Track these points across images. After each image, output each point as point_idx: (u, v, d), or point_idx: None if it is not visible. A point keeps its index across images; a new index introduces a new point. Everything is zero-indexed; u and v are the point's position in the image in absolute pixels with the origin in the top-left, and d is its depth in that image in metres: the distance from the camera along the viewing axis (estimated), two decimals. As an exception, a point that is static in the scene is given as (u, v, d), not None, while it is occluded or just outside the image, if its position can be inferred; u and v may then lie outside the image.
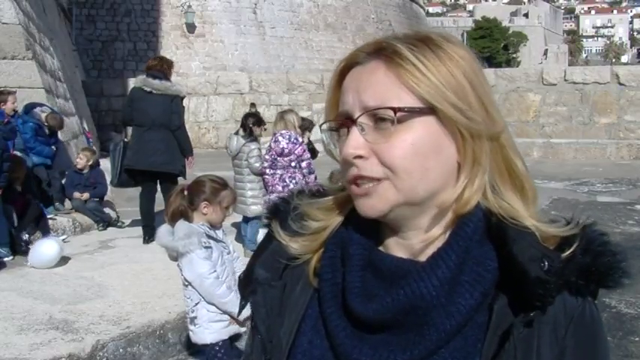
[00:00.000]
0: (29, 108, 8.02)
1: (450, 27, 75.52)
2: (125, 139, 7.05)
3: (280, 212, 0.94)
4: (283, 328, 0.88)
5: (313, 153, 6.97)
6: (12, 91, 7.99)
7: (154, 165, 6.65)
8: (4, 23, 9.10)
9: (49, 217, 7.17)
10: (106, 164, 8.46)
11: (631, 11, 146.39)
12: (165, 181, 6.68)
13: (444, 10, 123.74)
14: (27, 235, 6.48)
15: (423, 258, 0.83)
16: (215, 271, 3.28)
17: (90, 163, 8.28)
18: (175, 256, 3.33)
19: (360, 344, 0.83)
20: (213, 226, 3.41)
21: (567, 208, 8.99)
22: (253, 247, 6.36)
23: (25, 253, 6.00)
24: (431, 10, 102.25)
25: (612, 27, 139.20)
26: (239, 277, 0.97)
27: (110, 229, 7.92)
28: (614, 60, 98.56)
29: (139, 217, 7.08)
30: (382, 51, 0.82)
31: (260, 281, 0.92)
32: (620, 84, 16.06)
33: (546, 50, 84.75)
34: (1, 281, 5.34)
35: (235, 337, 3.45)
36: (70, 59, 17.88)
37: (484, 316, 0.80)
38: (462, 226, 0.82)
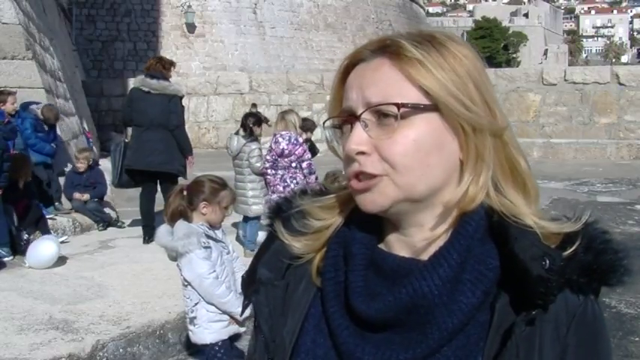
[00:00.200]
0: (25, 106, 8.04)
1: (450, 27, 75.49)
2: (126, 140, 7.06)
3: (282, 212, 0.94)
4: (286, 328, 0.89)
5: (313, 151, 6.98)
6: (12, 92, 7.99)
7: (151, 165, 6.66)
8: (4, 23, 9.10)
9: (48, 217, 7.17)
10: (106, 164, 8.47)
11: (631, 11, 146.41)
12: (165, 181, 6.68)
13: (444, 10, 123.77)
14: (27, 235, 6.48)
15: (424, 257, 0.83)
16: (214, 271, 3.28)
17: (89, 163, 8.29)
18: (175, 256, 3.33)
19: (362, 343, 0.83)
20: (213, 226, 3.41)
21: (567, 208, 8.99)
22: (253, 247, 6.36)
23: (25, 253, 6.01)
24: (431, 10, 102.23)
25: (612, 27, 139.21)
26: (242, 277, 0.97)
27: (110, 229, 7.92)
28: (614, 60, 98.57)
29: (139, 217, 7.09)
30: (386, 48, 0.83)
31: (263, 281, 0.92)
32: (620, 84, 16.07)
33: (546, 50, 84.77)
34: (1, 281, 5.34)
35: (235, 337, 3.44)
36: (70, 59, 17.88)
37: (486, 314, 0.80)
38: (463, 225, 0.82)
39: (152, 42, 28.23)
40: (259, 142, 6.76)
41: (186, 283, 3.33)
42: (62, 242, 6.49)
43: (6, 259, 5.93)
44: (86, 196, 7.93)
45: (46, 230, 6.79)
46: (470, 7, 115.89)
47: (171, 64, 7.09)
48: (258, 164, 6.40)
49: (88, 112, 16.71)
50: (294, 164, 6.04)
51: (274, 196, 6.04)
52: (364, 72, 0.83)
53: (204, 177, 3.50)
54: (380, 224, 0.87)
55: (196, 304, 3.30)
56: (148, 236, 6.48)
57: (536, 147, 16.14)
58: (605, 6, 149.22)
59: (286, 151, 6.00)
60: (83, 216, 7.89)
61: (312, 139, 7.93)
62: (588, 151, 16.20)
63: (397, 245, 0.86)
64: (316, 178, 6.09)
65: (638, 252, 6.10)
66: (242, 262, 3.65)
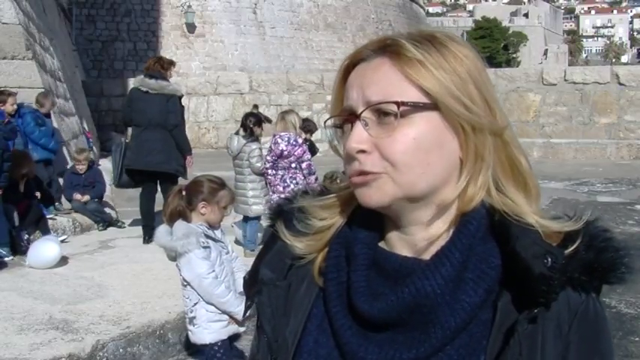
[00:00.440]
0: (20, 105, 8.08)
1: (450, 27, 75.50)
2: (126, 140, 7.06)
3: (284, 212, 0.95)
4: (289, 328, 0.89)
5: (313, 151, 6.98)
6: (12, 93, 7.99)
7: (149, 165, 6.66)
8: (4, 23, 9.10)
9: (48, 217, 7.17)
10: (106, 164, 8.48)
11: (631, 11, 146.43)
12: (165, 181, 6.68)
13: (444, 10, 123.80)
14: (27, 235, 6.48)
15: (427, 256, 0.84)
16: (213, 270, 3.28)
17: (89, 163, 8.30)
18: (174, 256, 3.33)
19: (365, 343, 0.83)
20: (212, 226, 3.41)
21: (567, 208, 8.98)
22: (253, 247, 6.36)
23: (26, 253, 6.01)
24: (431, 10, 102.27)
25: (612, 27, 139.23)
26: (244, 277, 0.97)
27: (110, 229, 7.92)
28: (614, 60, 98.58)
29: (139, 217, 7.09)
30: (387, 48, 0.83)
31: (265, 281, 0.92)
32: (620, 84, 16.06)
33: (546, 50, 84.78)
34: (1, 281, 5.34)
35: (234, 337, 3.44)
36: (70, 59, 17.88)
37: (488, 313, 0.81)
38: (465, 224, 0.83)
39: (152, 42, 28.23)
40: (259, 142, 6.77)
41: (185, 283, 3.33)
42: (62, 242, 6.49)
43: (6, 259, 5.93)
44: (86, 197, 7.93)
45: (46, 230, 6.80)
46: (470, 7, 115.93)
47: (171, 63, 7.10)
48: (259, 164, 6.40)
49: (88, 112, 16.71)
50: (293, 165, 6.05)
51: (274, 196, 6.05)
52: (365, 71, 0.84)
53: (203, 177, 3.50)
54: (381, 224, 0.88)
55: (196, 304, 3.30)
56: (148, 236, 6.48)
57: (536, 147, 16.13)
58: (605, 6, 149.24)
59: (285, 152, 6.01)
60: (83, 216, 7.89)
61: (312, 139, 7.94)
62: (588, 151, 16.20)
63: (399, 245, 0.87)
64: (316, 179, 6.10)
65: (639, 252, 6.11)
66: (241, 262, 3.65)
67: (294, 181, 6.04)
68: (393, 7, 35.55)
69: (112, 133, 11.63)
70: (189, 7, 28.03)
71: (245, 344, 3.83)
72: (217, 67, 27.17)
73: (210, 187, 3.39)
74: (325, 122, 0.90)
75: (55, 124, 8.90)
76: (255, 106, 16.42)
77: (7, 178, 6.28)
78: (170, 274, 4.60)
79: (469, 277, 0.81)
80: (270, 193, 6.23)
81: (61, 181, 8.46)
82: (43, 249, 5.80)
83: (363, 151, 0.81)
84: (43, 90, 8.82)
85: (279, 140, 6.05)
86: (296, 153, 6.03)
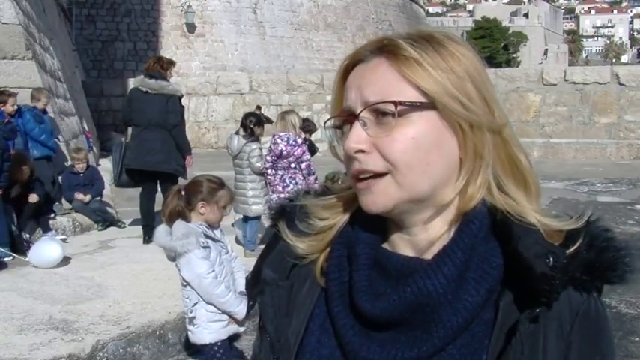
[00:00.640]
0: (20, 107, 8.10)
1: (450, 27, 75.50)
2: (126, 140, 7.06)
3: (286, 212, 0.95)
4: (291, 328, 0.89)
5: (312, 150, 6.97)
6: (13, 93, 7.99)
7: (148, 164, 6.67)
8: (4, 23, 9.10)
9: (49, 217, 7.17)
10: (106, 164, 8.48)
11: (631, 11, 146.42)
12: (165, 181, 6.68)
13: (444, 10, 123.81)
14: (27, 235, 6.48)
15: (429, 255, 0.84)
16: (213, 270, 3.28)
17: (88, 162, 8.31)
18: (173, 256, 3.33)
19: (368, 342, 0.83)
20: (211, 225, 3.41)
21: (567, 208, 8.99)
22: (253, 247, 6.37)
23: (26, 253, 6.01)
24: (431, 10, 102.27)
25: (612, 27, 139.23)
26: (246, 277, 0.98)
27: (110, 229, 7.91)
28: (614, 60, 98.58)
29: (139, 217, 7.09)
30: (384, 48, 0.84)
31: (268, 281, 0.92)
32: (620, 84, 16.07)
33: (546, 50, 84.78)
34: (1, 281, 5.35)
35: (234, 337, 3.44)
36: (70, 59, 17.88)
37: (490, 312, 0.81)
38: (467, 224, 0.83)
39: (152, 42, 28.23)
40: (259, 142, 6.77)
41: (185, 283, 3.33)
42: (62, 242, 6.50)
43: (6, 259, 5.93)
44: (88, 197, 7.92)
45: (46, 229, 6.80)
46: (470, 7, 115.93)
47: (171, 63, 7.10)
48: (259, 164, 6.40)
49: (88, 112, 16.71)
50: (293, 165, 6.05)
51: (274, 197, 6.06)
52: (363, 72, 0.84)
53: (202, 177, 3.51)
54: (383, 224, 0.88)
55: (195, 303, 3.30)
56: (148, 236, 6.48)
57: (536, 147, 16.13)
58: (605, 6, 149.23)
59: (285, 153, 6.01)
60: (83, 216, 7.89)
61: (312, 139, 7.94)
62: (588, 151, 16.20)
63: (401, 244, 0.87)
64: (315, 179, 6.10)
65: (639, 252, 6.11)
66: (241, 262, 3.65)
67: (293, 182, 6.04)
68: (393, 7, 35.56)
69: (112, 133, 11.65)
70: (189, 7, 28.03)
71: (245, 344, 3.84)
72: (217, 67, 27.17)
73: (209, 187, 3.39)
74: (325, 123, 0.90)
75: (52, 115, 8.89)
76: (258, 107, 16.43)
77: (7, 178, 6.28)
78: (170, 274, 4.60)
79: (471, 276, 0.81)
80: (270, 193, 6.23)
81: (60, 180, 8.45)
82: (47, 249, 5.81)
83: (362, 151, 0.81)
84: (37, 87, 8.79)
85: (279, 140, 6.05)
86: (295, 153, 6.03)
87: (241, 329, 3.40)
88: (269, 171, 6.15)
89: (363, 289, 0.84)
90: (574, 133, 16.44)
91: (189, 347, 4.21)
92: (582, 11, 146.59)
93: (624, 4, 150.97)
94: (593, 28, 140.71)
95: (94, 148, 13.42)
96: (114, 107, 18.75)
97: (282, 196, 5.84)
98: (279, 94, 18.74)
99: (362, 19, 32.87)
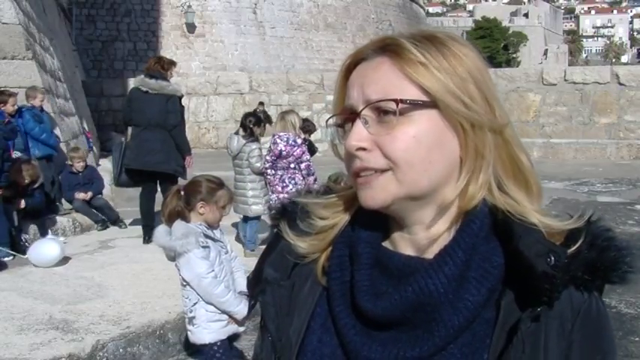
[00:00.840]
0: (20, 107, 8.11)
1: (450, 27, 75.52)
2: (126, 140, 7.06)
3: (288, 212, 0.95)
4: (292, 327, 0.89)
5: (312, 150, 6.97)
6: (13, 93, 7.98)
7: (148, 164, 6.67)
8: (4, 23, 9.10)
9: (48, 217, 7.17)
10: (106, 164, 8.47)
11: (631, 11, 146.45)
12: (165, 181, 6.68)
13: (444, 10, 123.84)
14: (27, 235, 6.48)
15: (429, 255, 0.84)
16: (213, 270, 3.28)
17: (86, 162, 8.31)
18: (173, 256, 3.33)
19: (369, 341, 0.84)
20: (211, 225, 3.41)
21: (567, 208, 8.98)
22: (253, 246, 6.37)
23: (25, 253, 6.01)
24: (431, 10, 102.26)
25: (612, 27, 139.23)
26: (248, 277, 0.98)
27: (110, 229, 7.91)
28: (614, 60, 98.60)
29: (139, 217, 7.09)
30: (387, 47, 0.84)
31: (269, 281, 0.92)
32: (620, 84, 16.07)
33: (546, 50, 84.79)
34: (1, 281, 5.35)
35: (234, 337, 3.44)
36: (70, 59, 17.88)
37: (491, 311, 0.81)
38: (468, 223, 0.83)
39: (152, 42, 28.23)
40: (259, 142, 6.77)
41: (184, 283, 3.33)
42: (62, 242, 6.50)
43: (6, 259, 5.93)
44: (89, 194, 7.92)
45: (44, 232, 6.80)
46: (470, 7, 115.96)
47: (171, 63, 7.09)
48: (258, 164, 6.40)
49: (88, 112, 16.71)
50: (292, 165, 6.05)
51: (273, 197, 6.05)
52: (365, 71, 0.84)
53: (201, 177, 3.51)
54: (385, 223, 0.88)
55: (195, 303, 3.29)
56: (148, 236, 6.47)
57: (536, 147, 16.13)
58: (605, 6, 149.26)
59: (284, 153, 6.01)
60: (83, 216, 7.89)
61: (311, 139, 7.94)
62: (588, 151, 16.20)
63: (402, 244, 0.87)
64: (315, 179, 6.09)
65: (638, 252, 6.11)
66: (241, 262, 3.65)
67: (292, 182, 6.04)
68: (393, 7, 35.56)
69: (112, 133, 11.63)
70: (189, 7, 28.04)
71: (245, 344, 3.84)
72: (217, 67, 27.18)
73: (209, 186, 3.39)
74: (327, 121, 0.90)
75: (49, 112, 8.89)
76: (261, 103, 16.41)
77: (7, 178, 6.28)
78: (170, 274, 4.60)
79: (472, 276, 0.81)
80: (270, 193, 6.23)
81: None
82: (46, 248, 5.81)
83: (363, 149, 0.82)
84: (32, 86, 8.79)
85: (278, 140, 6.05)
86: (295, 153, 6.02)
87: (241, 329, 3.41)
88: (268, 171, 6.15)
89: (365, 289, 0.84)
90: (574, 133, 16.44)
91: (189, 347, 4.20)
92: (582, 11, 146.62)
93: (624, 4, 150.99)
94: (593, 28, 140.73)
95: (94, 148, 13.42)
96: (114, 107, 18.75)
97: (281, 196, 5.84)
98: (279, 94, 18.74)
99: (362, 19, 32.88)
